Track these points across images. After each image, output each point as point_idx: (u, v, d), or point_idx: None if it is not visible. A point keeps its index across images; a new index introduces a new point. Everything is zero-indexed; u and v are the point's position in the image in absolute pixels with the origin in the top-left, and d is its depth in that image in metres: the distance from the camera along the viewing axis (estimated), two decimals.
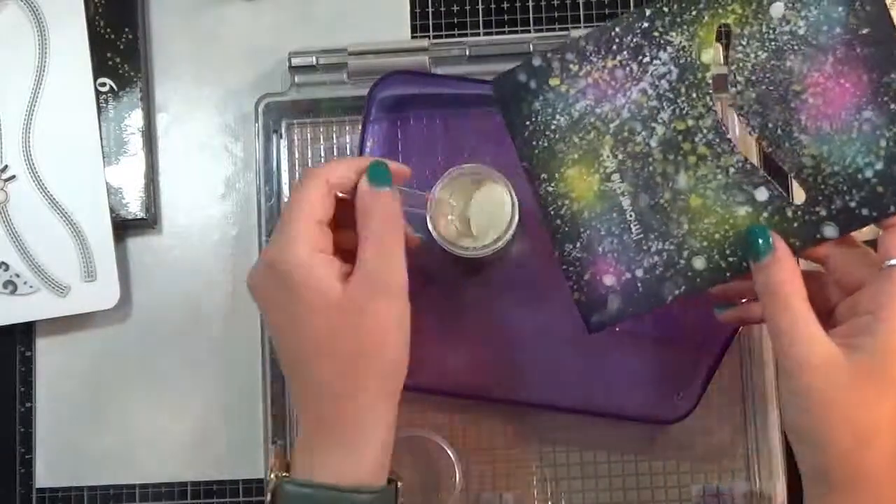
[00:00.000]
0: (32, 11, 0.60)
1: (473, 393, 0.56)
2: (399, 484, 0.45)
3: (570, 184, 0.46)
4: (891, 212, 0.44)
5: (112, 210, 0.60)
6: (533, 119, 0.46)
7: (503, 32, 0.62)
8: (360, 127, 0.57)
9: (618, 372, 0.56)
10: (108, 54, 0.61)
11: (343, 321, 0.44)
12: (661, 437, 0.57)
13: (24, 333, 0.61)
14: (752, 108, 0.44)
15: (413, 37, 0.62)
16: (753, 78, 0.44)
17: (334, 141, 0.60)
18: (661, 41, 0.44)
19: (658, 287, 0.46)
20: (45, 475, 0.60)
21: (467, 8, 0.62)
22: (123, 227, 0.61)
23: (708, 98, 0.44)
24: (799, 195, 0.45)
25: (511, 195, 0.51)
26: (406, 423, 0.57)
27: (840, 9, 0.43)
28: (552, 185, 0.46)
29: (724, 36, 0.45)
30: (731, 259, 0.45)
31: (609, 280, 0.46)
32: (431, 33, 0.62)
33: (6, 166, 0.60)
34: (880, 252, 0.43)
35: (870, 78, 0.43)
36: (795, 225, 0.44)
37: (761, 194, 0.45)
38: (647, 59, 0.45)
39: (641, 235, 0.46)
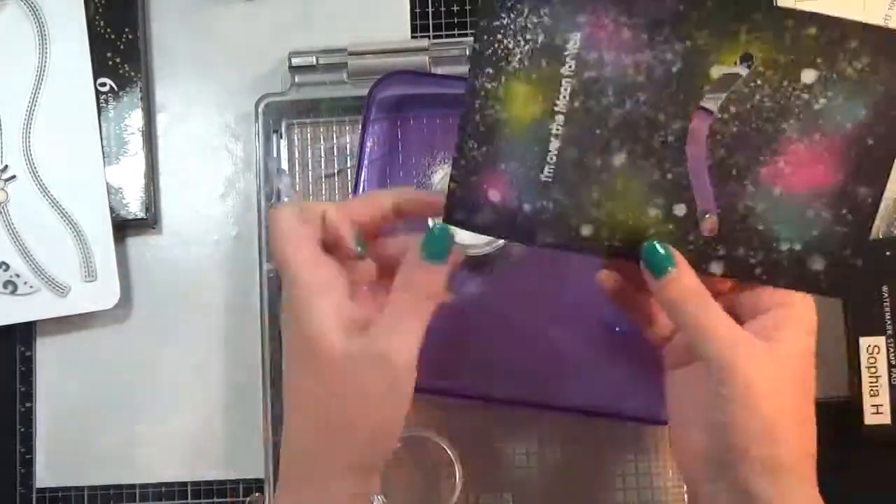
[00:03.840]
0: (32, 11, 0.60)
1: (474, 393, 0.56)
2: None
3: (512, 96, 0.44)
4: (780, 285, 0.44)
5: (112, 210, 0.60)
6: (513, 15, 0.42)
7: None
8: (360, 127, 0.57)
9: (618, 372, 0.56)
10: (108, 54, 0.61)
11: (332, 380, 0.41)
12: (661, 437, 0.57)
13: (24, 333, 0.61)
14: (724, 138, 0.44)
15: (413, 37, 0.62)
16: (745, 116, 0.43)
17: (334, 141, 0.60)
18: (685, 32, 0.42)
19: (535, 228, 0.45)
20: (45, 475, 0.60)
21: (467, 8, 0.62)
22: (123, 227, 0.61)
23: (692, 107, 0.44)
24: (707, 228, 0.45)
25: None
26: (406, 423, 0.57)
27: (864, 111, 0.42)
28: (492, 84, 0.43)
29: (744, 59, 0.44)
30: (615, 244, 0.45)
31: (494, 196, 0.45)
32: (431, 33, 0.62)
33: (6, 166, 0.60)
34: None
35: (845, 180, 0.43)
36: (690, 248, 0.45)
37: (679, 209, 0.45)
38: (661, 39, 0.42)
39: (550, 179, 0.44)
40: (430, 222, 0.51)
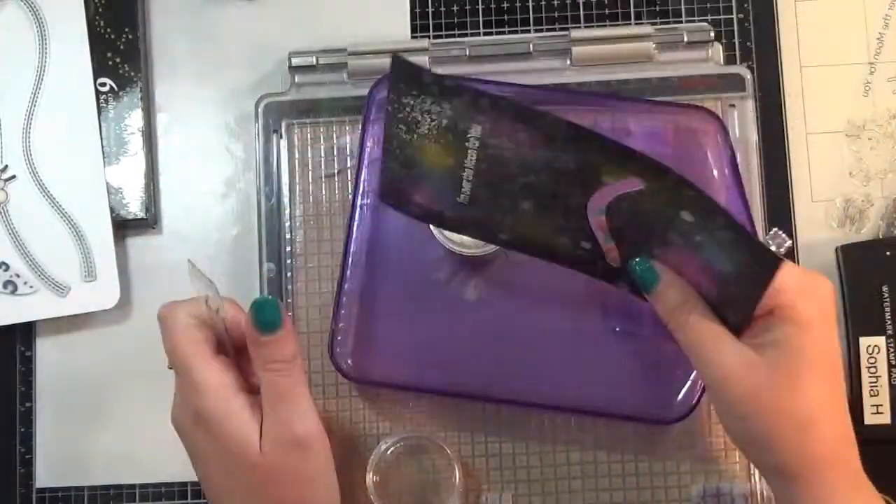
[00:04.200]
0: (32, 11, 0.60)
1: (473, 393, 0.56)
2: None
3: (424, 150, 0.46)
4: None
5: (112, 210, 0.60)
6: (418, 101, 0.43)
7: (503, 32, 0.62)
8: (360, 127, 0.57)
9: (618, 372, 0.56)
10: (108, 54, 0.61)
11: (264, 480, 0.43)
12: (661, 437, 0.57)
13: (24, 333, 0.61)
14: (622, 216, 0.45)
15: (413, 37, 0.62)
16: (637, 212, 0.44)
17: (334, 141, 0.60)
18: (580, 147, 0.43)
19: (461, 227, 0.50)
20: (45, 475, 0.60)
21: (467, 8, 0.62)
22: (123, 227, 0.61)
23: (591, 189, 0.45)
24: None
25: None
26: (406, 423, 0.58)
27: (731, 269, 0.43)
28: (406, 136, 0.45)
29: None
30: (533, 252, 0.50)
31: (420, 199, 0.49)
32: (431, 33, 0.62)
33: (6, 166, 0.60)
34: None
35: (715, 302, 0.45)
36: (599, 271, 0.49)
37: (586, 244, 0.48)
38: (557, 146, 0.43)
39: (466, 203, 0.48)
40: (432, 226, 0.52)
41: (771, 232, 0.54)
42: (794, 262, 0.59)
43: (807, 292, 0.43)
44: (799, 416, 0.42)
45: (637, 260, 0.47)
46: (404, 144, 0.46)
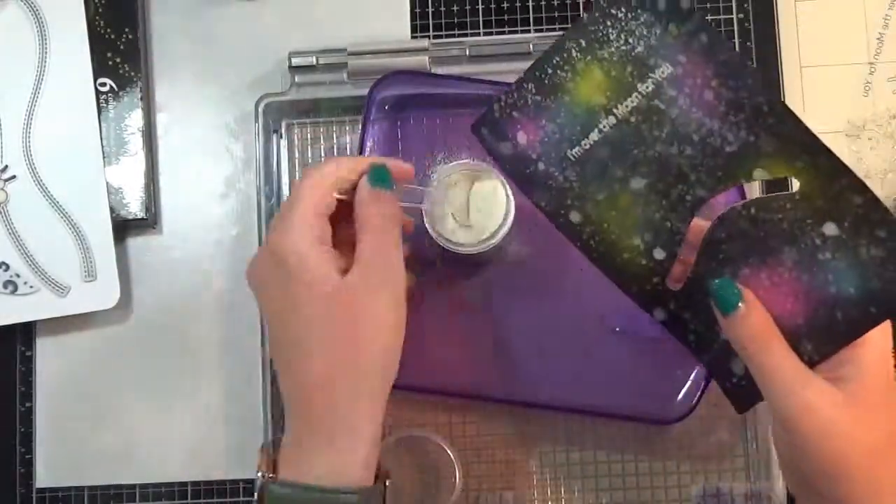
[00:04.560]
0: (32, 11, 0.60)
1: (473, 393, 0.56)
2: (388, 482, 0.45)
3: (586, 76, 0.45)
4: (701, 360, 0.47)
5: (112, 210, 0.60)
6: (629, 15, 0.43)
7: (503, 32, 0.62)
8: (360, 127, 0.57)
9: (618, 372, 0.56)
10: (108, 54, 0.61)
11: (339, 311, 0.44)
12: (661, 437, 0.57)
13: (24, 333, 0.61)
14: (731, 226, 0.44)
15: (413, 37, 0.62)
16: (759, 220, 0.44)
17: (334, 141, 0.60)
18: (756, 128, 0.43)
19: (536, 186, 0.47)
20: (45, 475, 0.60)
21: (467, 8, 0.62)
22: (123, 227, 0.61)
23: (722, 187, 0.44)
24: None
25: (506, 189, 0.51)
26: (406, 423, 0.57)
27: (853, 290, 0.42)
28: (577, 54, 0.45)
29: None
30: (590, 243, 0.47)
31: (521, 139, 0.47)
32: (431, 33, 0.62)
33: (6, 166, 0.60)
34: None
35: (799, 328, 0.44)
36: (648, 287, 0.47)
37: (659, 253, 0.46)
38: (733, 120, 0.43)
39: (573, 159, 0.46)
40: (427, 224, 0.51)
41: None
42: None
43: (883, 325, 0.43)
44: (874, 445, 0.42)
45: (721, 280, 0.44)
46: (562, 64, 0.45)
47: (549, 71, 0.45)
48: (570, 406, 0.56)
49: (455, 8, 0.62)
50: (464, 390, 0.56)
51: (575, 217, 0.47)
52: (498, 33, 0.62)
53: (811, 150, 0.42)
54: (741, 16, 0.61)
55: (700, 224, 0.45)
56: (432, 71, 0.59)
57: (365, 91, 0.57)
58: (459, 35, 0.62)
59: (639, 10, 0.42)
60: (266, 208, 0.59)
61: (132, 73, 0.61)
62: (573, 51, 0.44)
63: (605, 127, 0.45)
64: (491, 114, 0.47)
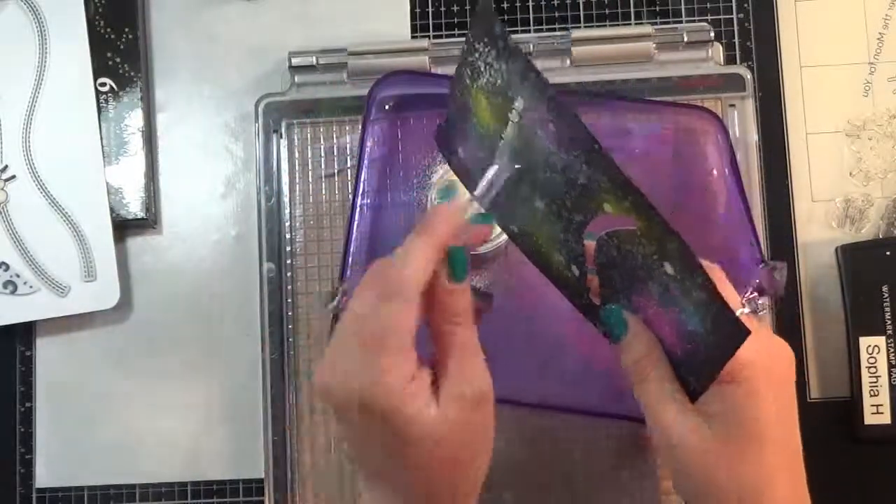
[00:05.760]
0: (32, 11, 0.60)
1: None
2: None
3: (476, 100, 0.44)
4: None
5: (112, 210, 0.60)
6: (486, 50, 0.42)
7: None
8: (360, 127, 0.57)
9: (618, 372, 0.56)
10: (108, 54, 0.61)
11: (439, 441, 0.41)
12: None
13: (24, 333, 0.61)
14: (610, 255, 0.44)
15: (413, 37, 0.62)
16: (627, 252, 0.43)
17: (334, 141, 0.60)
18: (592, 162, 0.41)
19: (485, 200, 0.46)
20: (45, 475, 0.60)
21: (467, 8, 0.62)
22: (123, 227, 0.61)
23: (591, 216, 0.43)
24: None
25: None
26: None
27: (701, 329, 0.42)
28: (468, 80, 0.44)
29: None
30: (534, 256, 0.47)
31: (462, 154, 0.47)
32: (431, 33, 0.62)
33: (6, 166, 0.60)
34: None
35: (679, 360, 0.44)
36: (584, 302, 0.47)
37: (575, 271, 0.46)
38: (574, 154, 0.42)
39: (494, 175, 0.45)
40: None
41: (769, 264, 0.51)
42: (793, 262, 0.59)
43: (762, 362, 0.42)
44: (749, 486, 0.42)
45: (610, 307, 0.45)
46: (465, 90, 0.45)
47: (458, 94, 0.45)
48: (570, 406, 0.56)
49: (455, 8, 0.62)
50: None
51: (514, 228, 0.47)
52: None
53: (627, 192, 0.40)
54: (741, 16, 0.61)
55: (591, 246, 0.44)
56: (432, 71, 0.59)
57: (365, 91, 0.57)
58: (459, 35, 0.62)
59: (489, 46, 0.42)
60: (266, 208, 0.59)
61: (132, 73, 0.61)
62: (465, 78, 0.44)
63: (503, 147, 0.45)
64: (443, 125, 0.48)
